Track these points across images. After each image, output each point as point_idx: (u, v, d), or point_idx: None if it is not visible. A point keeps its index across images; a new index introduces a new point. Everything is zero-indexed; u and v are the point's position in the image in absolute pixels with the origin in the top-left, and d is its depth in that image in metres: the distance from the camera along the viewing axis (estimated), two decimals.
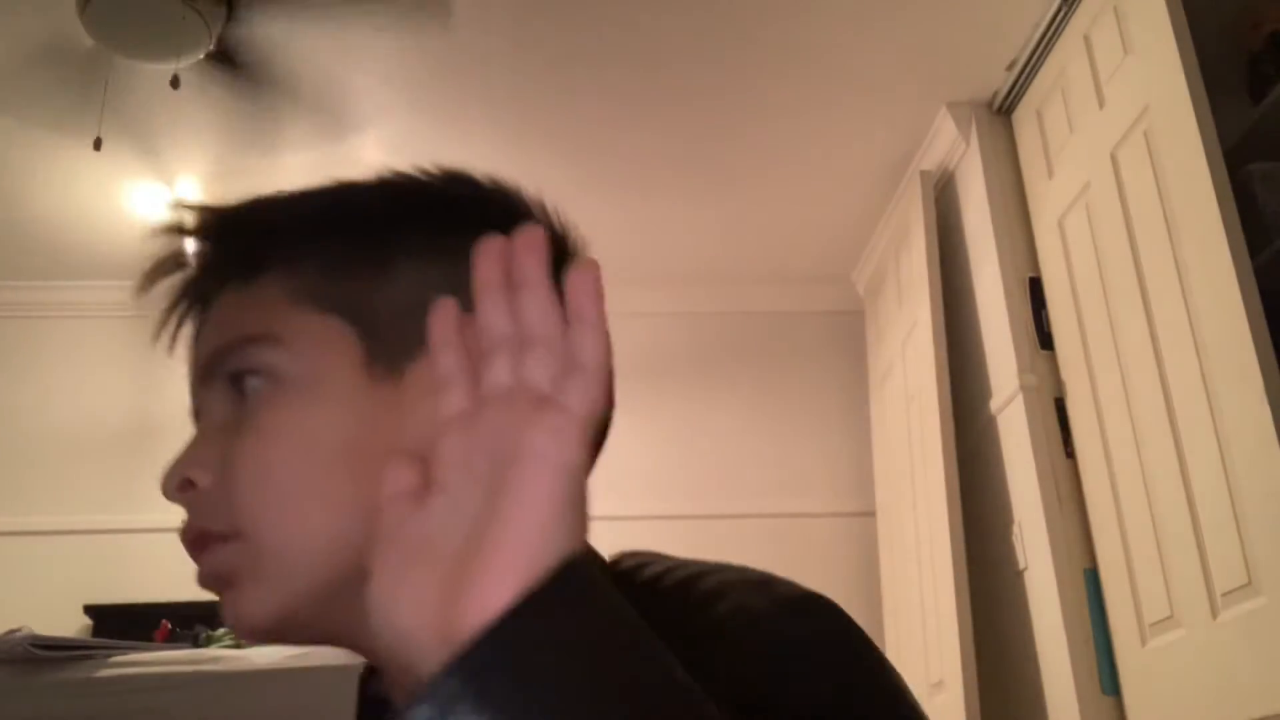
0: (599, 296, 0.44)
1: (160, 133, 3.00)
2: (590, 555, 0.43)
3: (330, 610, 0.56)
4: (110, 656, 1.64)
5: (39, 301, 3.70)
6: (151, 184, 3.24)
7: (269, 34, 2.61)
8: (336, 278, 0.60)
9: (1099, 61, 2.49)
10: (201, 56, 2.52)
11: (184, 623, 2.79)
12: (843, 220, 3.54)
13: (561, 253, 0.67)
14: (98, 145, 2.66)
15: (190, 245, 0.64)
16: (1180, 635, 2.09)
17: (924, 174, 3.16)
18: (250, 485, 0.56)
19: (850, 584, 3.47)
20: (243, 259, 0.62)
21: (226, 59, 2.65)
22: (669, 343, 3.81)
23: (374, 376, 0.58)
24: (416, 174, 0.65)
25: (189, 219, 0.64)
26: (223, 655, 1.69)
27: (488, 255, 0.46)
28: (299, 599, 0.56)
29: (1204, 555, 2.02)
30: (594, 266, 0.44)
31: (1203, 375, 2.03)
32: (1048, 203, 2.72)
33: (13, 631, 1.64)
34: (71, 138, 2.94)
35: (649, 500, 3.55)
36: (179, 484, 0.58)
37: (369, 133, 3.05)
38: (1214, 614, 1.99)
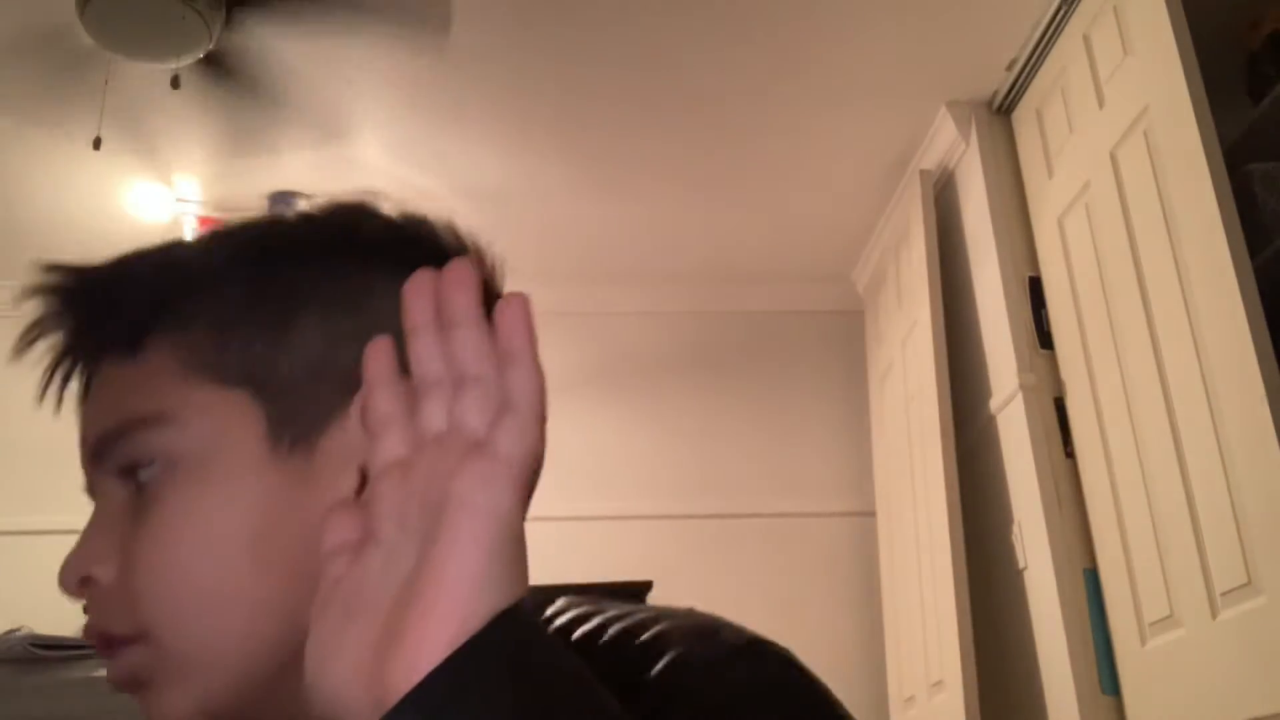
0: (530, 333, 0.42)
1: (160, 133, 3.00)
2: (525, 606, 0.41)
3: (256, 702, 0.52)
4: None
5: None
6: (151, 184, 3.24)
7: (268, 34, 2.61)
8: (230, 343, 0.54)
9: (1099, 61, 2.49)
10: (201, 56, 2.52)
11: None
12: (843, 220, 3.54)
13: (487, 287, 0.61)
14: (97, 145, 2.66)
15: (63, 310, 0.57)
16: (1180, 635, 2.09)
17: (924, 174, 3.16)
18: (153, 585, 0.51)
19: (850, 584, 3.47)
20: (123, 328, 0.55)
21: (226, 58, 2.65)
22: (669, 342, 3.81)
23: (281, 451, 0.52)
24: (313, 212, 0.59)
25: (59, 281, 0.58)
26: None
27: (418, 292, 0.44)
28: (217, 698, 0.51)
29: (1204, 555, 2.02)
30: (523, 302, 0.42)
31: (1203, 375, 2.03)
32: (1048, 202, 2.72)
33: (13, 631, 1.64)
34: (71, 138, 2.94)
35: (649, 500, 3.55)
36: (78, 581, 0.53)
37: (368, 133, 3.04)
38: (1214, 614, 1.99)
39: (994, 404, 2.78)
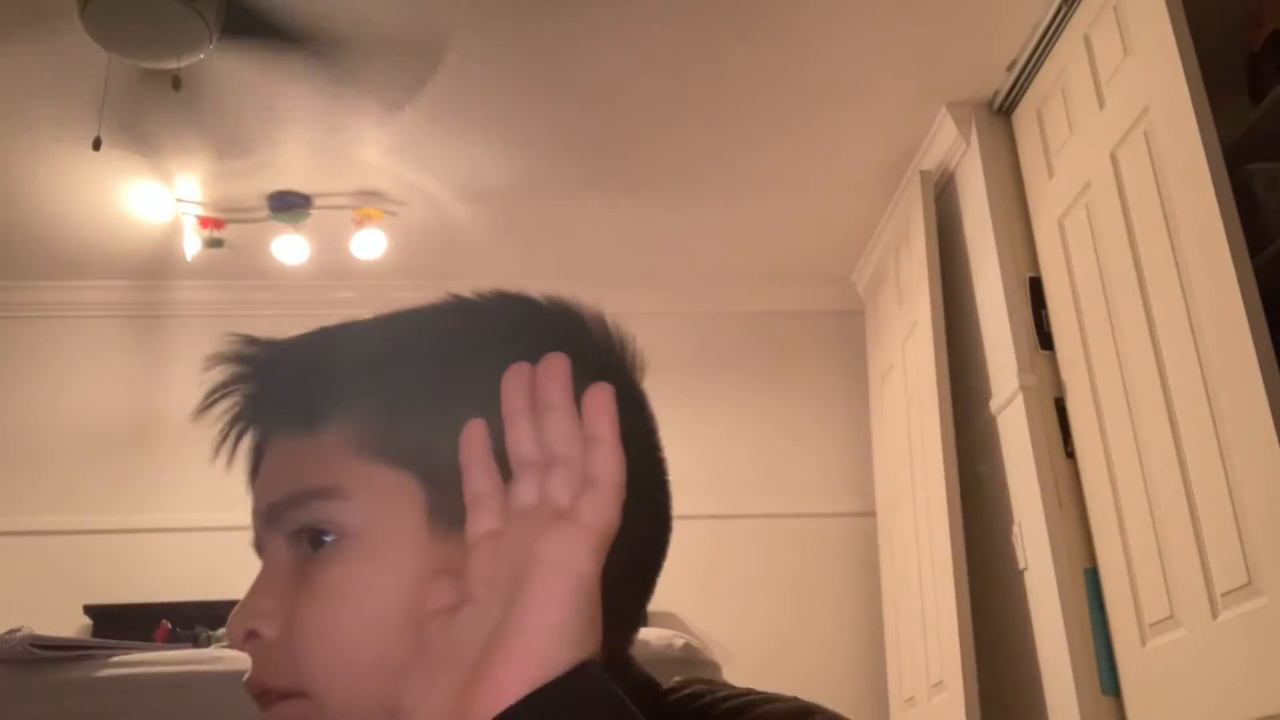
0: (612, 416, 0.47)
1: (160, 133, 3.00)
2: (599, 661, 0.45)
3: None
4: (110, 656, 1.64)
5: (39, 301, 3.70)
6: (151, 184, 3.24)
7: (268, 34, 2.61)
8: (399, 428, 0.58)
9: (1099, 61, 2.49)
10: (202, 56, 2.52)
11: (184, 623, 2.80)
12: (843, 220, 3.54)
13: (618, 362, 0.67)
14: (97, 145, 2.65)
15: (249, 379, 0.62)
16: (1180, 635, 2.09)
17: (924, 174, 3.16)
18: (313, 646, 0.55)
19: (850, 584, 3.47)
20: (305, 405, 0.60)
21: (226, 58, 2.64)
22: (669, 343, 3.81)
23: (438, 533, 0.56)
24: (476, 301, 0.63)
25: (249, 352, 0.63)
26: (223, 655, 1.69)
27: (514, 384, 0.50)
28: None
29: (1204, 555, 2.02)
30: (605, 389, 0.48)
31: (1203, 375, 2.03)
32: (1048, 203, 2.72)
33: (13, 631, 1.64)
34: (71, 138, 2.94)
35: None
36: (245, 635, 0.58)
37: (369, 132, 3.04)
38: (1214, 614, 1.99)
39: (994, 404, 2.78)
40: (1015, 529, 2.65)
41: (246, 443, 0.63)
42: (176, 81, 2.51)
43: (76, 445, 3.56)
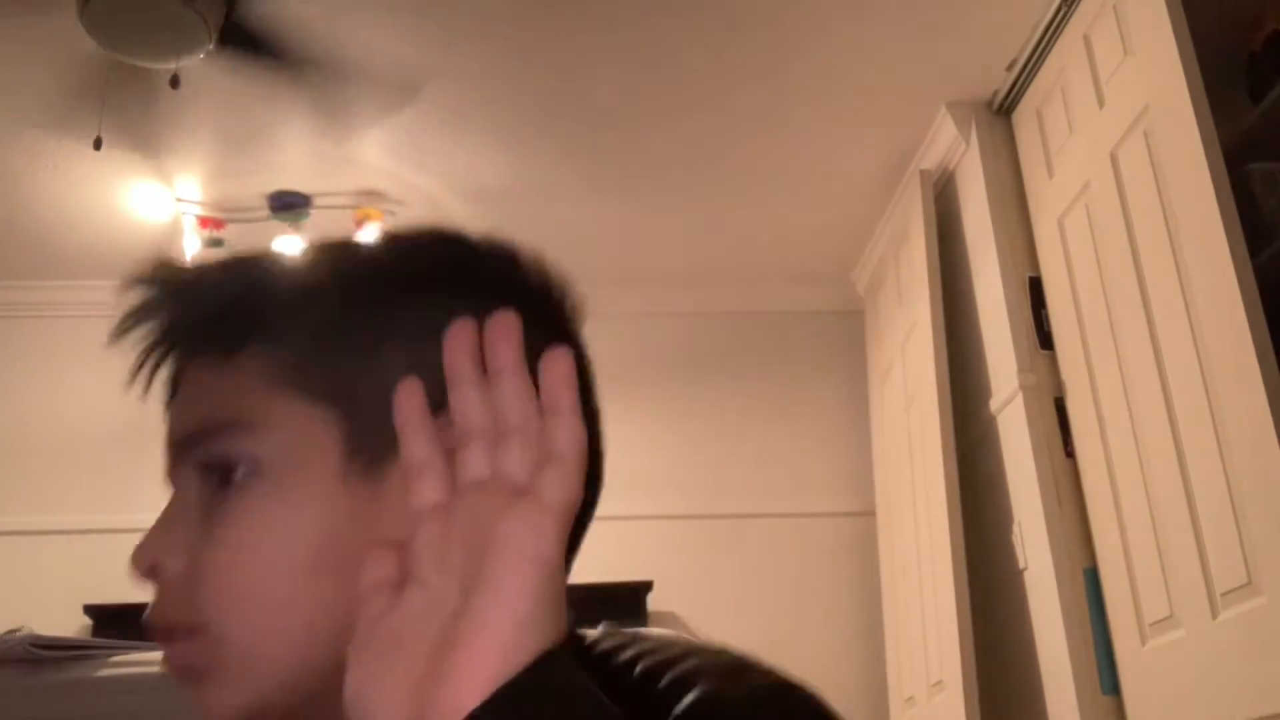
0: (572, 385, 0.44)
1: (160, 133, 2.99)
2: (567, 648, 0.43)
3: (303, 708, 0.54)
4: (110, 656, 1.64)
5: (39, 301, 3.70)
6: (151, 184, 3.24)
7: (267, 34, 2.61)
8: (321, 361, 0.56)
9: (1099, 61, 2.49)
10: (201, 56, 2.52)
11: None
12: (843, 220, 3.54)
13: (556, 308, 0.64)
14: (98, 145, 2.65)
15: (166, 304, 0.59)
16: (1180, 635, 2.09)
17: (924, 174, 3.16)
18: (216, 581, 0.53)
19: (850, 584, 3.47)
20: (219, 332, 0.57)
21: (226, 58, 2.64)
22: (669, 343, 3.81)
23: (354, 471, 0.54)
24: (408, 236, 0.61)
25: (167, 275, 0.59)
26: None
27: (459, 343, 0.46)
28: (266, 698, 0.53)
29: (1204, 555, 2.02)
30: (565, 355, 0.44)
31: (1203, 375, 2.03)
32: (1048, 203, 2.72)
33: (13, 631, 1.64)
34: (71, 138, 2.94)
35: (649, 501, 3.55)
36: (148, 568, 0.56)
37: (368, 132, 3.04)
38: (1214, 614, 1.99)
39: (994, 404, 2.78)
40: (1015, 529, 2.65)
41: (164, 371, 0.61)
42: (176, 81, 2.50)
43: (76, 445, 3.56)
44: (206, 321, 0.58)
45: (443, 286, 0.58)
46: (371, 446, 0.54)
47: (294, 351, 0.56)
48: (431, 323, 0.55)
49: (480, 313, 0.47)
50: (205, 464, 0.56)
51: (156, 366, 0.61)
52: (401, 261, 0.59)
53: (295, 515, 0.53)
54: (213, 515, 0.55)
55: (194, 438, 0.57)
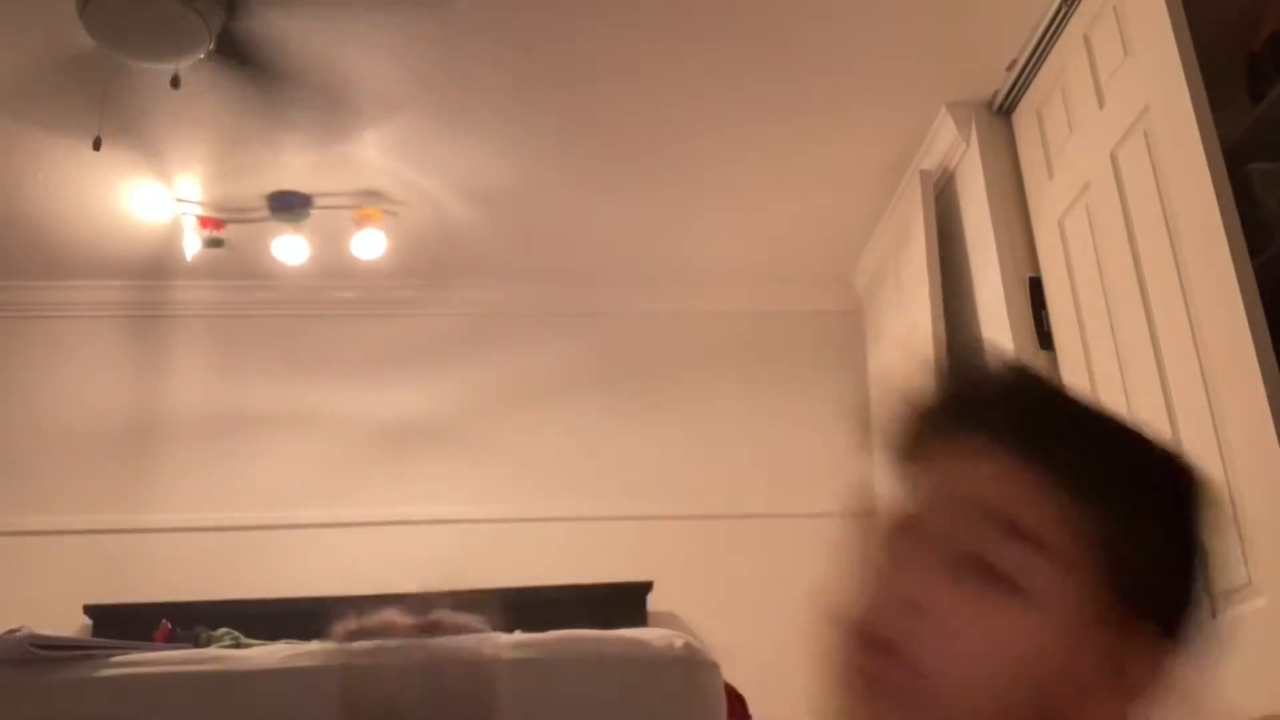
0: None
1: (160, 133, 2.99)
2: None
3: None
4: (110, 656, 1.64)
5: (39, 301, 3.70)
6: (151, 184, 3.24)
7: (268, 34, 2.61)
8: (1103, 505, 0.58)
9: (1099, 61, 2.49)
10: (201, 56, 2.52)
11: (184, 623, 2.79)
12: (843, 220, 3.53)
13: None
14: (97, 145, 2.65)
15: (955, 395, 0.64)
16: None
17: (924, 174, 3.16)
18: (940, 644, 0.56)
19: None
20: (1024, 441, 0.60)
21: (226, 58, 2.64)
22: (669, 343, 3.81)
23: (1101, 619, 0.57)
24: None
25: (974, 377, 0.65)
26: (223, 655, 1.69)
27: None
28: None
29: None
30: None
31: (1203, 375, 2.03)
32: (1048, 203, 2.72)
33: (13, 631, 1.64)
34: (71, 138, 2.94)
35: (648, 500, 3.55)
36: (906, 607, 0.58)
37: (369, 132, 3.04)
38: (1214, 614, 1.98)
39: None
40: None
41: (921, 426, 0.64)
42: (176, 81, 2.50)
43: (76, 445, 3.56)
44: (1020, 419, 0.61)
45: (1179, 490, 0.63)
46: (1125, 603, 0.57)
47: (1083, 486, 0.58)
48: (1181, 510, 0.61)
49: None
50: (974, 551, 0.58)
51: (932, 433, 0.63)
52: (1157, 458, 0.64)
53: (1034, 630, 0.56)
54: (960, 587, 0.57)
55: (968, 525, 0.58)
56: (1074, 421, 0.62)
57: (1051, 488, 0.58)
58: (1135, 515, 0.59)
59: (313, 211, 3.35)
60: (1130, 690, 0.57)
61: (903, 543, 0.60)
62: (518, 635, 1.72)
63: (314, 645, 1.74)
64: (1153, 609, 0.58)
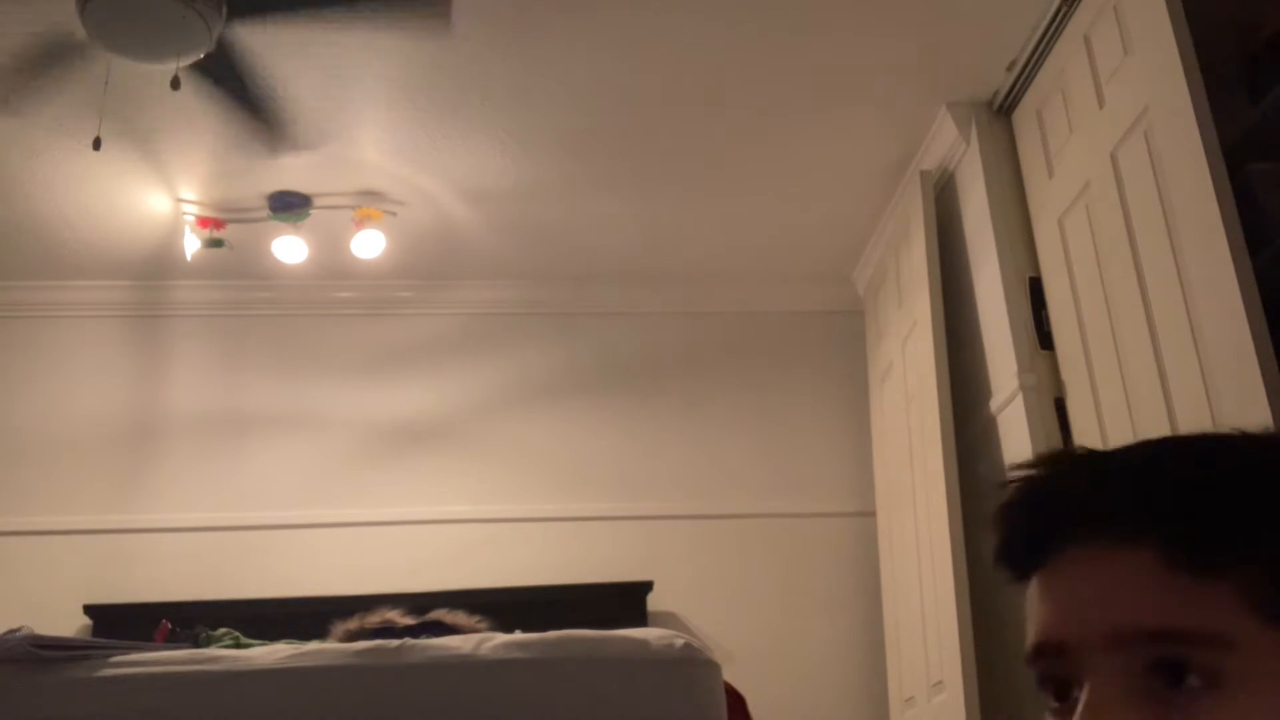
0: None
1: (160, 133, 3.00)
2: None
3: None
4: (110, 656, 1.64)
5: (39, 301, 3.70)
6: (151, 184, 3.24)
7: (268, 33, 2.61)
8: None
9: (1099, 61, 2.49)
10: (201, 56, 2.52)
11: (184, 623, 2.79)
12: (843, 220, 3.54)
13: None
14: (97, 145, 2.65)
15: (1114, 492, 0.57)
16: None
17: (924, 174, 3.16)
18: None
19: (850, 584, 3.47)
20: (1188, 532, 0.54)
21: (226, 59, 2.64)
22: (669, 343, 3.81)
23: None
24: None
25: (1083, 462, 0.59)
26: (223, 655, 1.69)
27: None
28: None
29: None
30: None
31: (1203, 375, 2.03)
32: (1048, 203, 2.72)
33: (13, 631, 1.64)
34: (71, 138, 2.94)
35: (649, 500, 3.55)
36: None
37: (368, 132, 3.04)
38: None
39: (994, 404, 2.78)
40: None
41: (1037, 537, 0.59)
42: (176, 81, 2.50)
43: (76, 445, 3.56)
44: (1171, 509, 0.55)
45: None
46: None
47: (1271, 572, 0.53)
48: None
49: None
50: (1160, 661, 0.54)
51: (1060, 533, 0.58)
52: None
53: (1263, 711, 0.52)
54: (1159, 709, 0.53)
55: (1143, 636, 0.54)
56: (1223, 477, 0.56)
57: (1216, 581, 0.53)
58: None
59: (312, 211, 3.35)
60: None
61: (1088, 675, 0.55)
62: (517, 635, 1.72)
63: (314, 645, 1.74)
64: None
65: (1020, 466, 0.60)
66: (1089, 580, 0.56)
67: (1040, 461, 0.60)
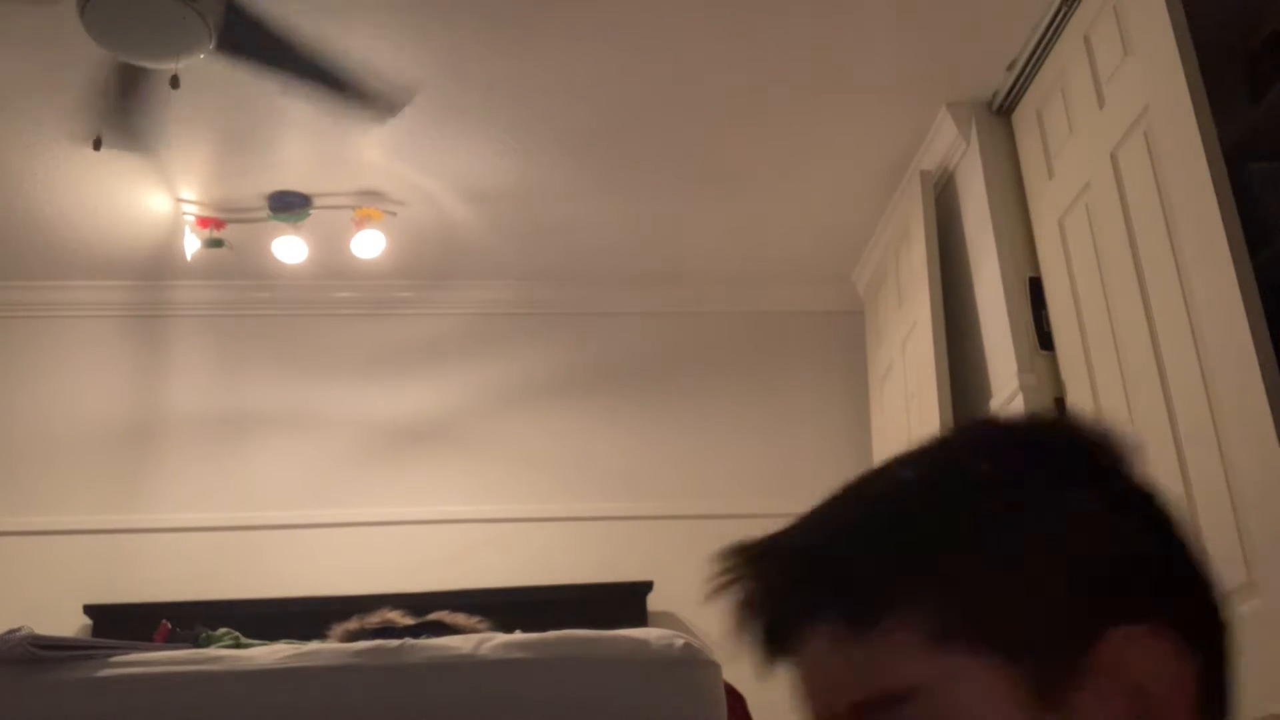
0: None
1: (160, 133, 2.99)
2: None
3: None
4: (110, 656, 1.64)
5: (39, 301, 3.70)
6: (151, 184, 3.24)
7: (268, 33, 2.61)
8: (975, 606, 0.52)
9: (1099, 61, 2.49)
10: (201, 56, 2.52)
11: (184, 623, 2.79)
12: (843, 220, 3.54)
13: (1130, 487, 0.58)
14: (97, 145, 2.65)
15: (779, 579, 0.57)
16: None
17: (924, 174, 3.16)
18: None
19: None
20: (856, 603, 0.54)
21: (226, 58, 2.64)
22: (669, 343, 3.81)
23: (1034, 704, 0.51)
24: (1005, 435, 0.58)
25: (758, 559, 0.59)
26: (223, 655, 1.69)
27: None
28: None
29: None
30: None
31: (1203, 375, 2.03)
32: (1048, 203, 2.72)
33: (13, 631, 1.64)
34: (71, 138, 2.94)
35: (648, 500, 3.55)
36: None
37: (369, 133, 3.04)
38: None
39: (994, 404, 2.78)
40: None
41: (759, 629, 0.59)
42: (176, 81, 2.50)
43: (76, 445, 3.56)
44: (838, 591, 0.55)
45: (1062, 475, 0.55)
46: (1049, 682, 0.51)
47: (941, 604, 0.52)
48: (1062, 521, 0.54)
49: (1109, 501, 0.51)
50: None
51: (770, 634, 0.59)
52: (1009, 458, 0.56)
53: None
54: None
55: (860, 711, 0.53)
56: (863, 540, 0.55)
57: (895, 632, 0.52)
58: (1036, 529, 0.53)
59: (313, 211, 3.35)
60: (1163, 708, 0.52)
61: None
62: (517, 635, 1.72)
63: (314, 645, 1.74)
64: (1139, 607, 0.52)
65: (723, 565, 0.61)
66: (810, 668, 0.56)
67: (735, 564, 0.61)
